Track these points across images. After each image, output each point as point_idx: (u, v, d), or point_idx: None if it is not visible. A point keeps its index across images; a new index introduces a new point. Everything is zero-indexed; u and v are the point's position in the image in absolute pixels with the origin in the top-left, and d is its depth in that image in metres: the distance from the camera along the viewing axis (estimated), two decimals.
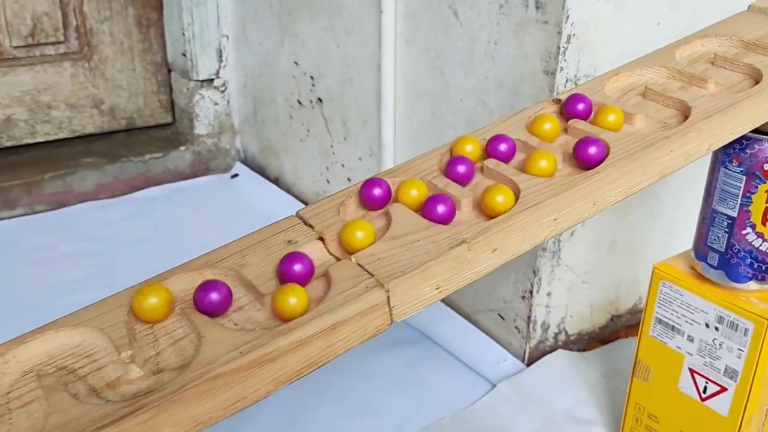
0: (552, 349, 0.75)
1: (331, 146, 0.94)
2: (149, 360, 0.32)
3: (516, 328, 0.73)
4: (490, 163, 0.41)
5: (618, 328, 0.79)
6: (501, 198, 0.37)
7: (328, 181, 0.97)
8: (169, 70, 1.12)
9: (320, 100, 0.94)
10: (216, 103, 1.11)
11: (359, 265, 0.34)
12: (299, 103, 0.98)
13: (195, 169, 1.12)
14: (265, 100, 1.06)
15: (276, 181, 1.08)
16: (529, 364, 0.73)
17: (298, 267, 0.33)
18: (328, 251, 0.36)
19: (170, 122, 1.16)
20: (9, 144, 1.04)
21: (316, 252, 0.37)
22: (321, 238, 0.37)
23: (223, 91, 1.11)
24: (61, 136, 1.07)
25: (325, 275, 0.35)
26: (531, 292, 0.71)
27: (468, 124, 0.73)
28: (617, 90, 0.46)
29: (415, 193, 0.38)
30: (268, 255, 0.36)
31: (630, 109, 0.43)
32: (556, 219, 0.36)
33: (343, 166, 0.93)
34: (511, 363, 0.74)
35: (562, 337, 0.75)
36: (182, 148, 1.10)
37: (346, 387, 0.71)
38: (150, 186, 1.08)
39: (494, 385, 0.71)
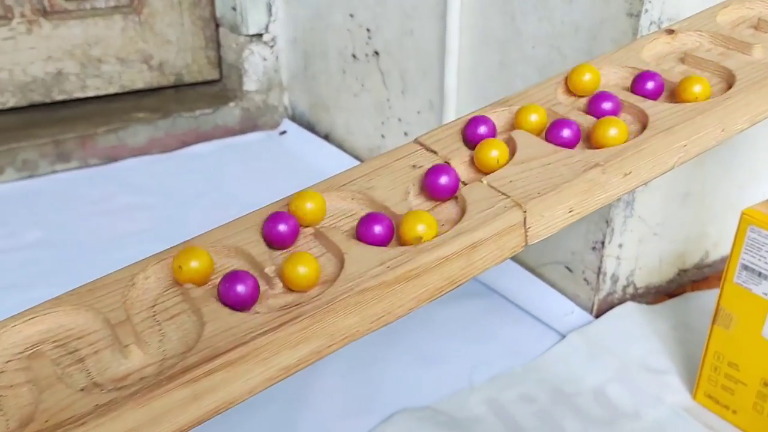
0: (620, 302, 0.74)
1: (388, 100, 0.93)
2: None
3: (585, 280, 0.73)
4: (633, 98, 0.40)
5: (684, 283, 0.79)
6: (614, 131, 0.36)
7: (383, 136, 0.96)
8: (217, 26, 1.11)
9: (376, 53, 0.93)
10: (265, 59, 1.10)
11: (491, 186, 0.34)
12: (353, 57, 0.97)
13: (244, 126, 1.12)
14: (315, 55, 1.05)
15: (326, 138, 1.07)
16: (597, 316, 0.73)
17: (444, 179, 0.33)
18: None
19: (217, 78, 1.15)
20: (60, 98, 1.04)
21: None
22: (446, 162, 0.36)
23: (272, 47, 1.10)
24: (112, 90, 1.07)
25: (455, 197, 0.34)
26: (603, 243, 0.70)
27: (540, 72, 0.72)
28: (729, 22, 0.45)
29: (536, 118, 0.37)
30: (394, 179, 0.35)
31: (747, 39, 0.42)
32: (685, 145, 0.35)
33: (399, 120, 0.92)
34: (579, 315, 0.73)
35: (630, 290, 0.74)
36: (231, 104, 1.10)
37: (416, 338, 0.71)
38: (200, 142, 1.08)
39: (563, 336, 0.71)
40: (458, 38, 0.79)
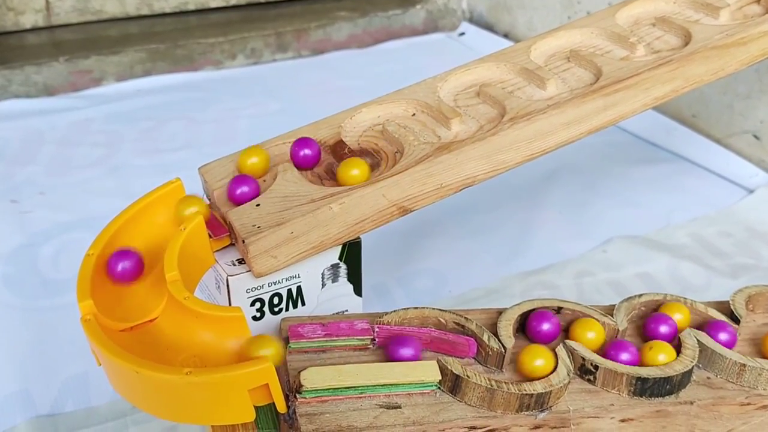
0: None
1: None
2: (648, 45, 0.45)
3: None
4: None
5: None
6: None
7: None
8: None
9: None
10: None
11: None
12: None
13: (426, 27, 1.24)
14: None
15: (506, 36, 1.18)
16: None
17: None
18: None
19: None
20: None
21: None
22: None
23: None
24: None
25: None
26: None
27: None
28: None
29: None
30: None
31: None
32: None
33: (588, 14, 1.02)
34: (764, 177, 0.83)
35: None
36: (418, 6, 1.22)
37: (615, 186, 0.83)
38: (390, 39, 1.22)
39: (752, 191, 0.81)
40: None
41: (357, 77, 1.11)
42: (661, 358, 0.38)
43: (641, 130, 0.94)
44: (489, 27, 1.22)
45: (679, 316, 0.41)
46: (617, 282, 0.69)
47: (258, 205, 0.41)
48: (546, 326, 0.40)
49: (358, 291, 0.45)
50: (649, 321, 0.41)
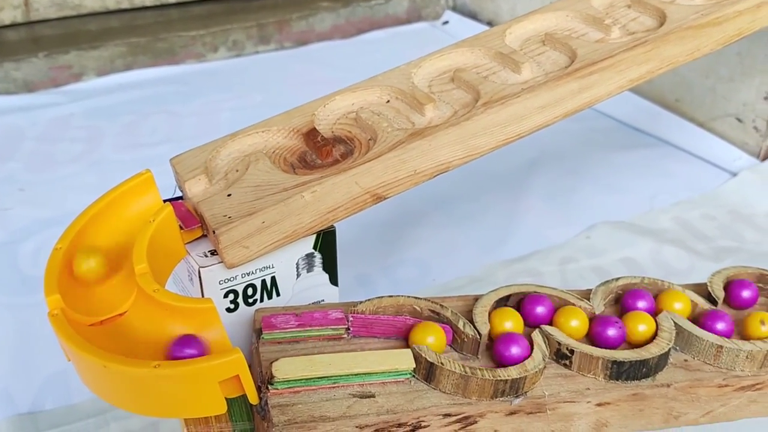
0: None
1: None
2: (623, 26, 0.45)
3: (755, 128, 0.82)
4: None
5: None
6: None
7: None
8: None
9: None
10: None
11: None
12: None
13: (410, 16, 1.23)
14: None
15: (490, 24, 1.18)
16: (763, 161, 0.82)
17: None
18: None
19: None
20: None
21: None
22: None
23: None
24: None
25: None
26: None
27: None
28: None
29: None
30: None
31: None
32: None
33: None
34: (747, 160, 0.83)
35: None
36: None
37: (599, 172, 0.82)
38: (374, 29, 1.21)
39: (735, 174, 0.81)
40: None
41: (340, 68, 1.11)
42: (642, 328, 0.38)
43: (625, 116, 0.93)
44: (473, 15, 1.21)
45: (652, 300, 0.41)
46: (600, 267, 0.69)
47: (229, 195, 0.41)
48: (539, 309, 0.40)
49: (334, 280, 0.45)
50: (626, 297, 0.40)
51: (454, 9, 1.25)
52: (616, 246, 0.71)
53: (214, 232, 0.39)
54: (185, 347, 0.34)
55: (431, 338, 0.37)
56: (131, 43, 1.04)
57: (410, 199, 0.83)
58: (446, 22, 1.24)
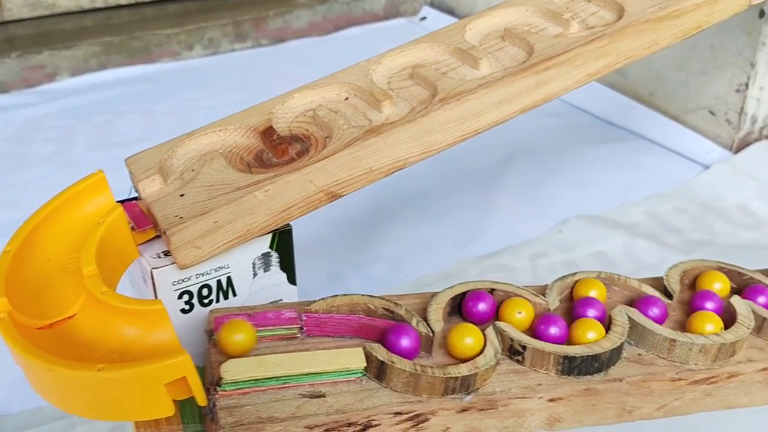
0: (756, 141, 0.83)
1: None
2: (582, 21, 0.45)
3: (727, 120, 0.82)
4: None
5: None
6: None
7: None
8: None
9: None
10: None
11: None
12: None
13: (387, 12, 1.23)
14: None
15: None
16: (735, 153, 0.82)
17: None
18: None
19: None
20: None
21: None
22: None
23: None
24: None
25: None
26: (746, 85, 0.79)
27: None
28: None
29: None
30: None
31: None
32: None
33: None
34: (720, 152, 0.83)
35: (765, 131, 0.83)
36: None
37: (572, 166, 0.82)
38: (351, 26, 1.20)
39: (707, 167, 0.81)
40: None
41: (318, 65, 1.09)
42: (590, 335, 0.38)
43: (599, 110, 0.93)
44: (450, 11, 1.21)
45: (595, 293, 0.41)
46: (572, 262, 0.69)
47: (182, 195, 0.41)
48: (481, 306, 0.40)
49: (292, 279, 0.44)
50: (576, 304, 0.40)
51: (432, 5, 1.24)
52: (588, 240, 0.71)
53: (165, 232, 0.39)
54: (401, 336, 0.37)
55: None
56: (105, 42, 1.04)
57: (382, 196, 0.83)
58: (424, 18, 1.23)
